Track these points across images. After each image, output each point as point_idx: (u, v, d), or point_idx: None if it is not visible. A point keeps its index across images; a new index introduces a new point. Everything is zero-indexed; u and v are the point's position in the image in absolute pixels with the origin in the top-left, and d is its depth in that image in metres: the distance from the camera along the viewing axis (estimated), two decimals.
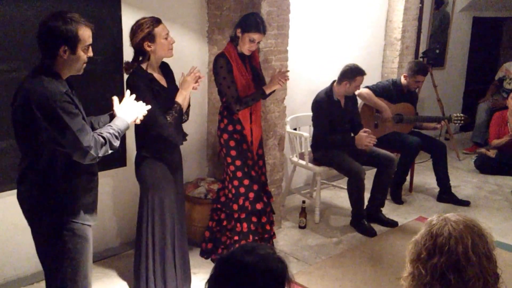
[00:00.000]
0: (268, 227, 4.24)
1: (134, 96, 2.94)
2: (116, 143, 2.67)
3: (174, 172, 3.55)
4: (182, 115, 3.43)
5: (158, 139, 3.36)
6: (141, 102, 2.96)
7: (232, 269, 1.64)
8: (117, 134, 2.68)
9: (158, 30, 3.30)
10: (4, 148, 3.62)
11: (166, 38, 3.33)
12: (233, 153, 4.03)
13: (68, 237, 2.63)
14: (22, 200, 2.67)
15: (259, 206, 4.07)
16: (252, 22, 3.89)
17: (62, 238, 2.61)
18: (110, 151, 2.64)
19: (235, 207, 4.07)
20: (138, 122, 2.94)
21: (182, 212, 3.71)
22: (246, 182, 4.03)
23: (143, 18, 3.33)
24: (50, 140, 2.48)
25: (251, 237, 4.08)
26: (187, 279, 3.77)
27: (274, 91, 4.11)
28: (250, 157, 4.07)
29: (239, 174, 4.04)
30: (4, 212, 3.72)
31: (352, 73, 4.95)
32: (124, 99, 2.92)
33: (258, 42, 3.96)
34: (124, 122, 2.79)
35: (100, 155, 2.57)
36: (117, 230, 4.47)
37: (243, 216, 4.06)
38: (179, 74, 3.57)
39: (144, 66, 3.36)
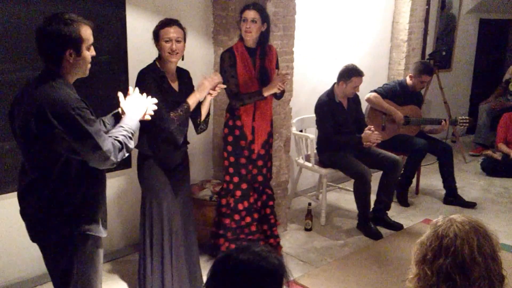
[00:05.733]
0: (276, 232, 4.20)
1: (138, 90, 2.87)
2: (131, 145, 2.59)
3: (176, 175, 3.52)
4: (189, 115, 3.43)
5: (157, 136, 3.36)
6: (149, 96, 2.87)
7: (228, 268, 1.62)
8: (130, 135, 2.60)
9: (162, 32, 3.34)
10: (7, 149, 3.61)
11: (166, 41, 3.32)
12: (229, 148, 4.05)
13: (80, 251, 2.54)
14: (28, 215, 2.57)
15: (241, 206, 4.07)
16: (244, 5, 3.93)
17: (73, 252, 2.53)
18: (126, 154, 2.56)
19: (223, 201, 4.11)
20: (148, 118, 2.83)
21: (188, 213, 3.68)
22: (235, 179, 4.06)
23: (166, 18, 3.41)
24: (66, 149, 2.37)
25: (229, 234, 4.10)
26: (195, 281, 3.74)
27: (282, 92, 4.09)
28: (246, 155, 4.06)
29: (231, 170, 4.06)
30: (8, 214, 3.71)
31: (348, 74, 4.93)
32: (129, 95, 2.81)
33: (254, 22, 3.86)
34: (134, 121, 2.70)
35: (118, 159, 2.49)
36: (122, 232, 4.46)
37: (228, 212, 4.09)
38: None
39: (158, 63, 3.41)
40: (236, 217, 4.09)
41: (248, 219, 4.14)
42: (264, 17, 3.94)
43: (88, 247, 2.57)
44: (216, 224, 4.29)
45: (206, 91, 3.46)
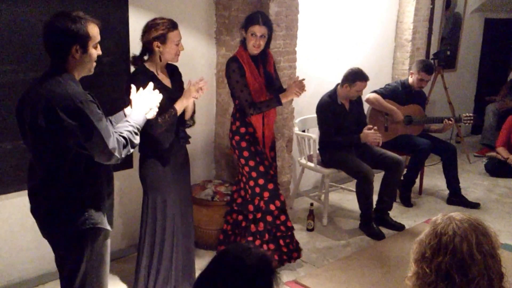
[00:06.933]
0: (289, 224, 4.17)
1: (151, 85, 2.94)
2: (136, 140, 2.63)
3: (177, 172, 3.53)
4: (175, 121, 3.39)
5: (158, 137, 3.35)
6: (156, 91, 2.93)
7: (220, 267, 1.64)
8: (136, 130, 2.64)
9: (171, 34, 3.30)
10: (9, 150, 3.60)
11: (177, 44, 3.32)
12: (246, 154, 3.99)
13: (89, 244, 2.56)
14: (39, 213, 2.58)
15: (272, 206, 4.01)
16: (252, 16, 3.86)
17: (83, 246, 2.55)
18: (131, 150, 2.60)
19: (251, 207, 4.04)
20: (152, 115, 2.89)
21: (188, 213, 3.68)
22: (261, 181, 3.98)
23: (162, 19, 3.34)
24: (75, 143, 2.40)
25: (266, 236, 4.03)
26: (189, 278, 3.74)
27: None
28: (265, 157, 4.04)
29: (254, 174, 3.99)
30: (9, 214, 3.71)
31: (353, 77, 4.90)
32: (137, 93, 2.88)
33: (262, 36, 3.83)
34: (140, 115, 2.75)
35: (123, 156, 2.53)
36: (123, 232, 4.45)
37: (259, 216, 4.02)
38: (187, 76, 3.58)
39: (147, 65, 3.37)
40: (269, 218, 4.02)
41: (282, 218, 4.09)
42: (270, 28, 3.91)
43: (98, 242, 2.60)
44: (225, 232, 4.26)
45: (192, 97, 3.42)
